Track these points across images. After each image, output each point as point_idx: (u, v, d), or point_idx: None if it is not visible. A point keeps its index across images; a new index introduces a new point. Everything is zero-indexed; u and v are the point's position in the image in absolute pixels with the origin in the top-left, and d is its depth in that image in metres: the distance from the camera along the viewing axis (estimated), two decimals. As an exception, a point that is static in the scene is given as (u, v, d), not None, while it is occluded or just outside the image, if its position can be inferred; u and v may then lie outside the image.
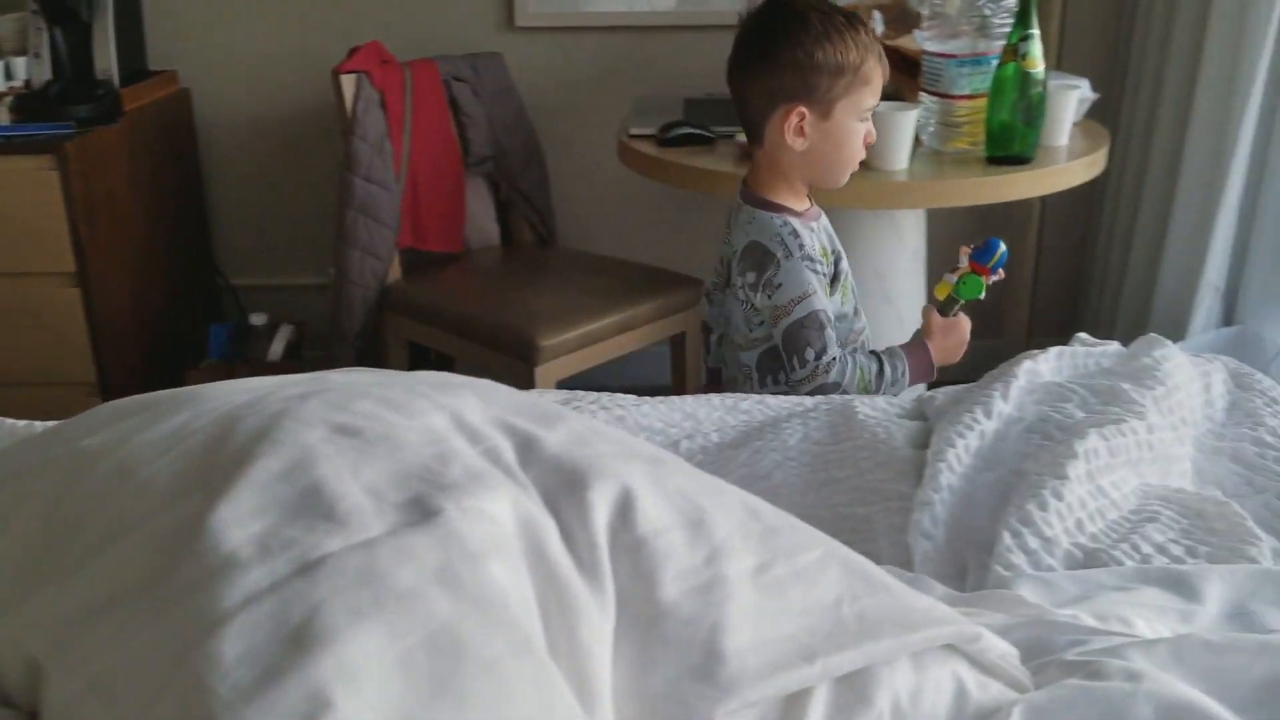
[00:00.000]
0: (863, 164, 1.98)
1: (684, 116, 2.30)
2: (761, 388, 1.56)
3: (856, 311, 1.65)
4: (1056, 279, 2.92)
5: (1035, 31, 1.91)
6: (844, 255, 1.62)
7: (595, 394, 1.31)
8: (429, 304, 2.37)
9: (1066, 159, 2.09)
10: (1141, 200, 2.53)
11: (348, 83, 2.34)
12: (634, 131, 2.24)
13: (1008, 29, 1.95)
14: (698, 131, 2.18)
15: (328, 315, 2.46)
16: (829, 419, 1.23)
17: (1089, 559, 0.92)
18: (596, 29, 2.74)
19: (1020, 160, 2.00)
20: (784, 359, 1.50)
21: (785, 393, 1.45)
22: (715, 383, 1.67)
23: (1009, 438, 1.10)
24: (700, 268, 2.72)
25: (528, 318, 2.21)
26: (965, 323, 1.60)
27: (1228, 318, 2.50)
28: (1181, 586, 0.86)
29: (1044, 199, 2.70)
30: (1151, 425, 1.07)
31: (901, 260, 2.28)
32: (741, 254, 1.53)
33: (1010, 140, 1.99)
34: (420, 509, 0.59)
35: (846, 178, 1.57)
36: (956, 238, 1.79)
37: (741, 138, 2.08)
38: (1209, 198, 2.32)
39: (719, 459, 1.17)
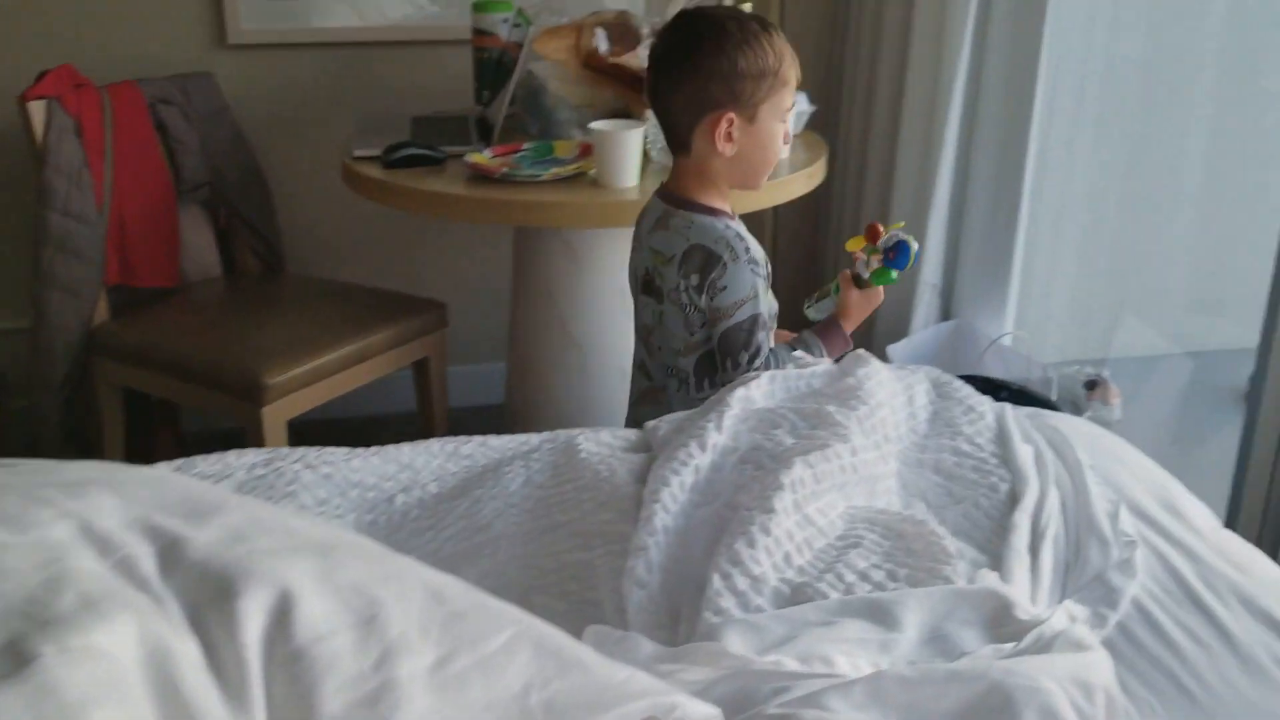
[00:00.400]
0: (593, 182, 2.00)
1: (411, 136, 2.23)
2: (698, 391, 1.57)
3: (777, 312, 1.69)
4: (793, 284, 3.02)
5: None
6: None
7: (302, 450, 1.23)
8: (142, 345, 2.19)
9: (789, 171, 2.14)
10: (863, 205, 2.65)
11: (36, 110, 2.14)
12: (358, 153, 2.15)
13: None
14: (425, 152, 2.11)
15: (27, 363, 2.24)
16: (551, 458, 1.20)
17: (796, 594, 0.93)
18: (317, 45, 2.62)
19: (745, 174, 2.04)
20: (718, 361, 1.52)
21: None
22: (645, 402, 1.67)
23: (725, 469, 1.10)
24: (442, 289, 2.66)
25: (252, 354, 2.09)
26: (876, 292, 1.66)
27: (945, 313, 2.65)
28: (882, 615, 0.88)
29: (775, 208, 2.77)
30: (855, 447, 1.10)
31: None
32: (683, 258, 1.52)
33: (733, 155, 2.02)
34: (13, 656, 0.51)
35: (766, 178, 1.59)
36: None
37: (473, 158, 2.04)
38: (921, 202, 2.44)
39: (436, 512, 1.12)
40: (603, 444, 1.22)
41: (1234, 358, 2.50)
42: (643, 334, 1.66)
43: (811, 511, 1.02)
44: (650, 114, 2.07)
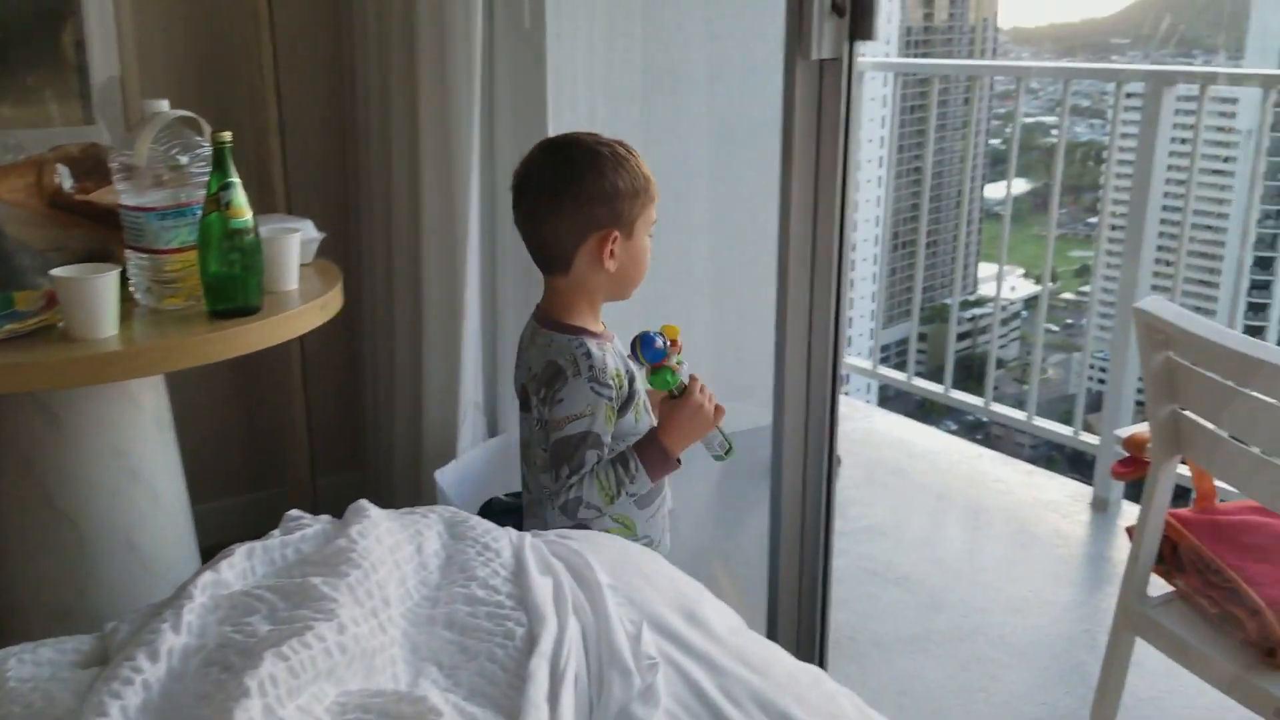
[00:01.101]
0: (65, 335, 1.75)
1: None
2: (555, 504, 1.59)
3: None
4: (332, 416, 2.87)
5: (235, 180, 1.81)
6: (638, 376, 1.67)
7: None
8: None
9: (300, 302, 2.01)
10: (396, 330, 2.56)
11: None
12: None
13: (207, 178, 1.83)
14: None
15: None
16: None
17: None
18: None
19: (247, 311, 1.88)
20: (550, 470, 1.58)
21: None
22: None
23: (187, 676, 0.94)
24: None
25: None
26: (695, 395, 1.63)
27: (493, 428, 2.61)
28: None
29: (301, 342, 2.61)
30: (344, 622, 0.98)
31: (146, 431, 2.04)
32: (540, 374, 1.58)
33: (231, 291, 1.86)
34: None
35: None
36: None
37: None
38: (452, 322, 2.40)
39: None
40: (42, 663, 1.01)
41: (761, 435, 2.66)
42: (522, 449, 1.72)
43: (290, 712, 0.88)
44: (130, 253, 1.88)
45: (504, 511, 2.04)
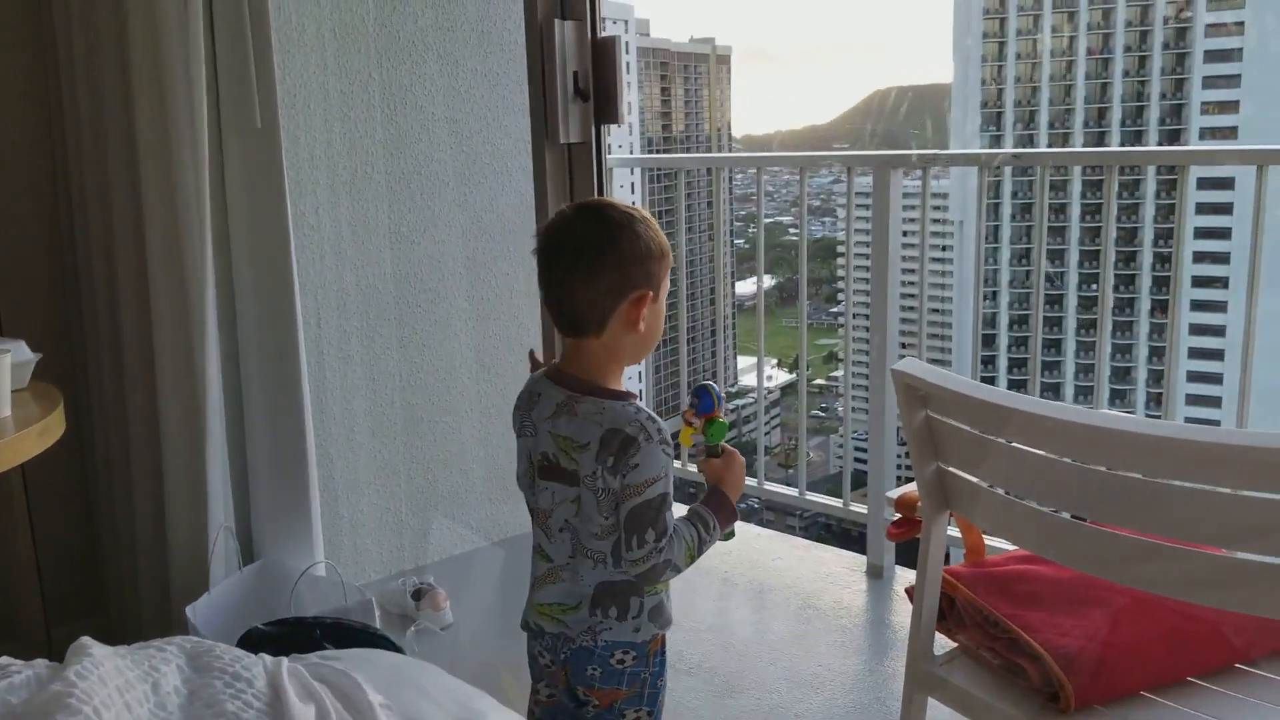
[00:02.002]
0: None
1: None
2: (615, 568, 1.57)
3: None
4: (66, 556, 2.58)
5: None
6: None
7: None
8: None
9: (14, 430, 1.80)
10: (132, 457, 2.34)
11: None
12: None
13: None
14: None
15: None
16: None
17: None
18: None
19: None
20: (622, 538, 1.52)
21: (623, 574, 1.53)
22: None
23: None
24: None
25: None
26: (734, 452, 1.67)
27: (249, 555, 2.41)
28: None
29: (23, 474, 2.34)
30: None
31: None
32: (601, 444, 1.53)
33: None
34: None
35: None
36: None
37: None
38: (194, 445, 2.21)
39: None
40: None
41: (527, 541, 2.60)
42: (538, 518, 1.64)
43: None
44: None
45: (264, 641, 1.86)
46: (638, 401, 1.62)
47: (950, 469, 1.67)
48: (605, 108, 1.69)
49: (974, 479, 1.64)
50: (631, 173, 3.96)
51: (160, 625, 2.38)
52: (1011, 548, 1.92)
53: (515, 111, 2.63)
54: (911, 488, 1.81)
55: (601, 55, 1.68)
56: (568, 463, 1.58)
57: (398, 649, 1.91)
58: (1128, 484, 1.45)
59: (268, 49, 2.13)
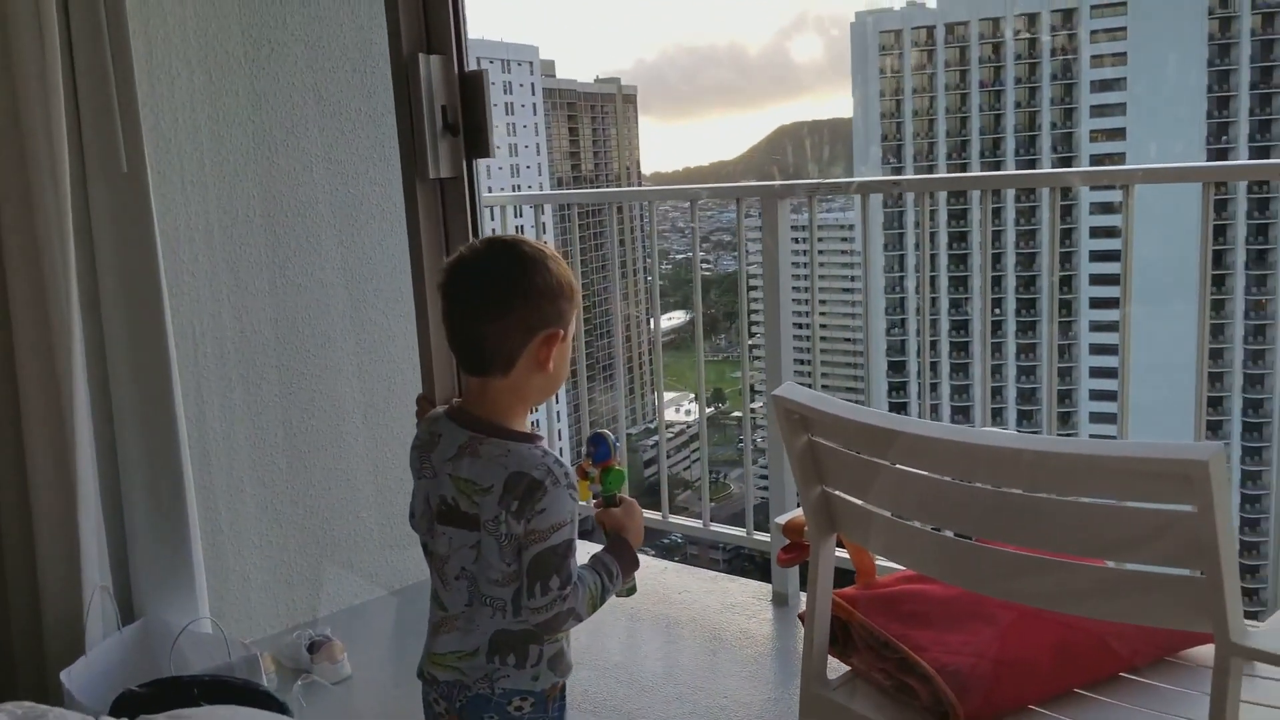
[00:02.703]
0: None
1: None
2: (515, 617, 1.53)
3: None
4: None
5: None
6: None
7: None
8: None
9: None
10: (2, 519, 2.23)
11: None
12: None
13: None
14: None
15: None
16: None
17: None
18: None
19: None
20: (525, 585, 1.49)
21: (522, 622, 1.49)
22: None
23: None
24: None
25: None
26: (632, 501, 1.66)
27: (129, 615, 2.32)
28: None
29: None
30: None
31: None
32: (505, 488, 1.48)
33: None
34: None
35: None
36: None
37: None
38: (66, 504, 2.12)
39: None
40: None
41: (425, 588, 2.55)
42: (435, 563, 1.59)
43: None
44: None
45: (138, 704, 1.78)
46: (544, 444, 1.58)
47: (835, 492, 1.67)
48: (476, 142, 1.67)
49: (858, 501, 1.64)
50: (541, 211, 3.95)
51: (36, 691, 2.26)
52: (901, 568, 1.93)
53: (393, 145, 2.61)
54: (799, 513, 1.81)
55: (470, 89, 1.66)
56: (468, 506, 1.52)
57: (281, 705, 1.84)
58: (1008, 500, 1.47)
59: (132, 89, 2.07)
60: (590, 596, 1.55)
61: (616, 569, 1.60)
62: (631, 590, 1.68)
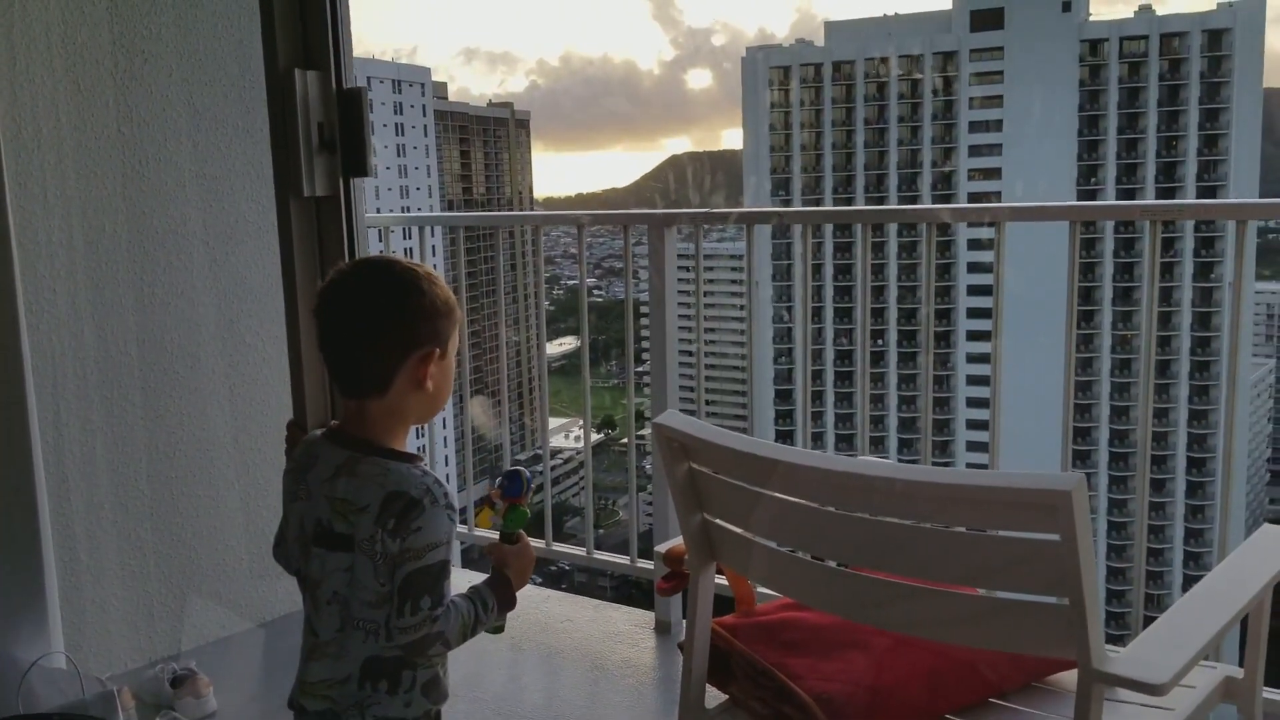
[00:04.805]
0: None
1: None
2: (387, 640, 1.49)
3: None
4: None
5: None
6: None
7: None
8: None
9: None
10: None
11: None
12: None
13: None
14: None
15: None
16: None
17: None
18: None
19: None
20: (395, 604, 1.45)
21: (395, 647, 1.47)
22: None
23: None
24: None
25: None
26: (528, 543, 1.62)
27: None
28: None
29: None
30: None
31: None
32: (382, 507, 1.47)
33: None
34: None
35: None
36: None
37: None
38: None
39: None
40: None
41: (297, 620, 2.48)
42: (308, 587, 1.56)
43: None
44: None
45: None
46: (424, 464, 1.56)
47: (715, 520, 1.67)
48: (354, 160, 1.63)
49: (738, 530, 1.64)
50: (431, 233, 3.88)
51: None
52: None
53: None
54: (679, 541, 1.80)
55: (348, 106, 1.62)
56: (342, 526, 1.50)
57: (136, 745, 1.75)
58: (882, 529, 1.48)
59: (-12, 97, 1.97)
60: (462, 624, 1.52)
61: (493, 603, 1.57)
62: (499, 629, 1.65)
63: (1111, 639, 1.66)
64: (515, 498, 1.61)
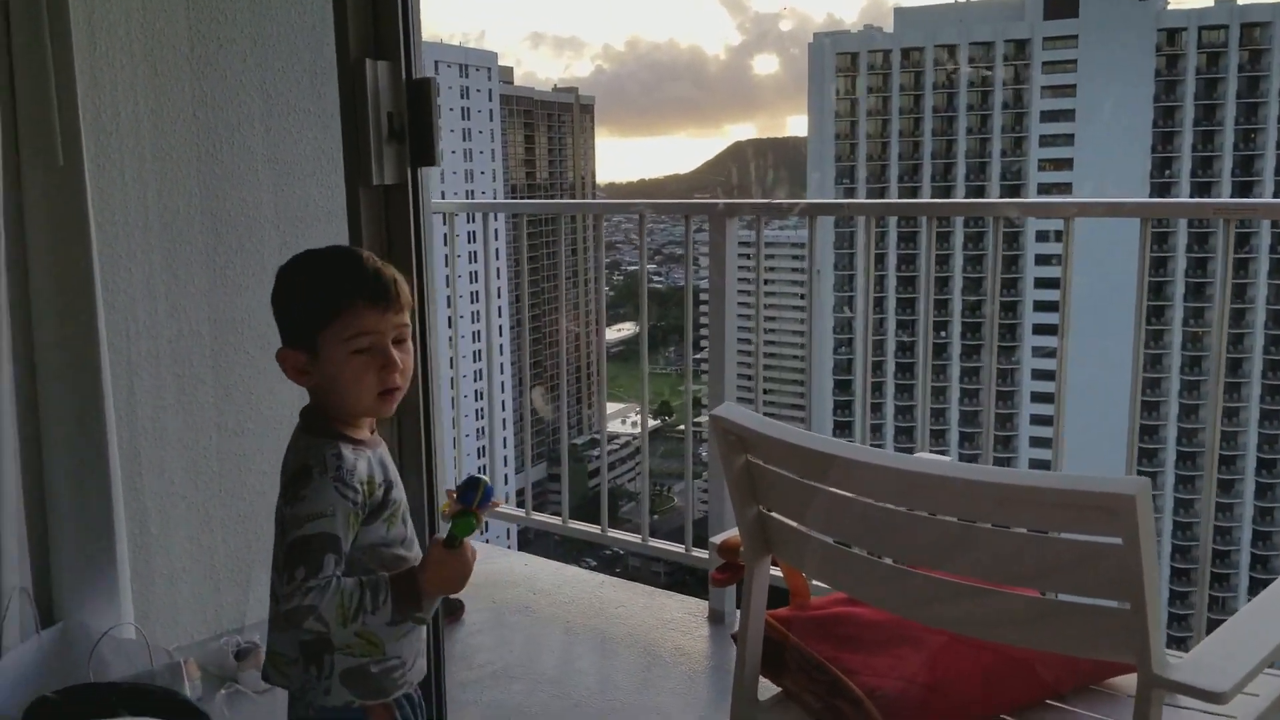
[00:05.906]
0: None
1: None
2: (275, 605, 1.48)
3: (406, 542, 1.57)
4: None
5: None
6: (397, 484, 1.58)
7: None
8: None
9: None
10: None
11: None
12: None
13: None
14: None
15: None
16: None
17: None
18: None
19: None
20: (276, 572, 1.45)
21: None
22: None
23: None
24: None
25: None
26: (468, 553, 1.54)
27: (48, 619, 2.26)
28: None
29: None
30: None
31: None
32: (283, 470, 1.51)
33: None
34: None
35: (372, 402, 1.52)
36: None
37: None
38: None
39: None
40: None
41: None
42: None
43: None
44: None
45: (52, 711, 1.73)
46: (343, 444, 1.51)
47: (771, 514, 1.67)
48: (421, 150, 1.65)
49: (794, 524, 1.64)
50: (495, 219, 3.91)
51: (-53, 698, 2.20)
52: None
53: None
54: (735, 532, 1.81)
55: (417, 96, 1.65)
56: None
57: (201, 714, 1.80)
58: (941, 527, 1.48)
59: (71, 81, 2.03)
60: (340, 605, 1.43)
61: (386, 594, 1.49)
62: (420, 621, 1.60)
63: (1175, 641, 1.63)
64: (467, 505, 1.54)
